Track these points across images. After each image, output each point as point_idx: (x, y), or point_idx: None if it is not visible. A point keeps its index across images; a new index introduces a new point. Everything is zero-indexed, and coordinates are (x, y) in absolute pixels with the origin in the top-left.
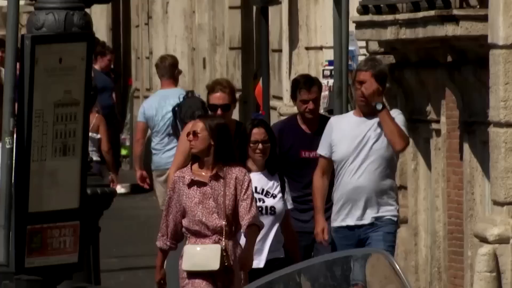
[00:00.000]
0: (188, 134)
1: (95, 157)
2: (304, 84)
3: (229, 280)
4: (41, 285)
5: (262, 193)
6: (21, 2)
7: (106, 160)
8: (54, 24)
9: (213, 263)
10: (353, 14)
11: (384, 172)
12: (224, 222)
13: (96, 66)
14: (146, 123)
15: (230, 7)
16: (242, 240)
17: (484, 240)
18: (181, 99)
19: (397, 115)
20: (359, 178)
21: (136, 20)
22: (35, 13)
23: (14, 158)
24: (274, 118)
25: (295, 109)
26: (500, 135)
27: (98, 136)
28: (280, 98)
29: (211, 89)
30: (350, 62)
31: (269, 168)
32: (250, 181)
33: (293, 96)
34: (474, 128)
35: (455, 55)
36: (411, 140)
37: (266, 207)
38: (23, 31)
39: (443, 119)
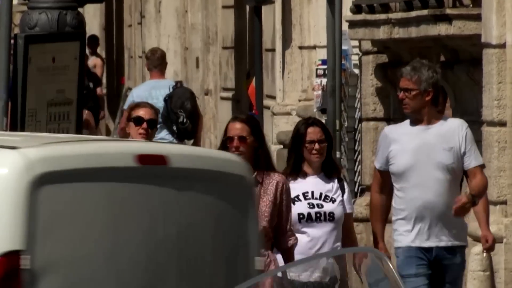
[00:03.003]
0: (231, 139)
1: None
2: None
3: None
4: None
5: (320, 198)
6: (14, 2)
7: None
8: (47, 23)
9: None
10: (346, 13)
11: (452, 185)
12: None
13: None
14: None
15: (223, 7)
16: None
17: (477, 239)
18: (171, 90)
19: (471, 142)
20: (427, 193)
21: (129, 20)
22: (28, 12)
23: None
24: (267, 118)
25: (287, 109)
26: (493, 134)
27: (87, 132)
28: (273, 98)
29: (135, 105)
30: (343, 62)
31: (326, 171)
32: (289, 189)
33: None
34: None
35: (448, 55)
36: None
37: (325, 212)
38: (16, 30)
39: None
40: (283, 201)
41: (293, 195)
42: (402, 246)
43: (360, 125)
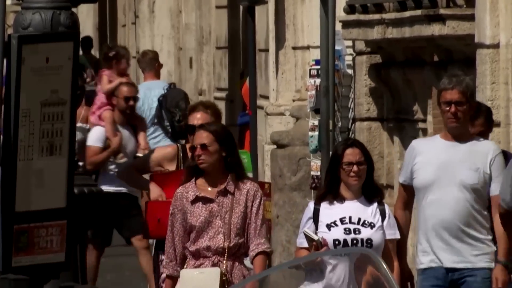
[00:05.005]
0: (192, 148)
1: None
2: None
3: None
4: (28, 284)
5: (358, 223)
6: (8, 2)
7: None
8: (41, 23)
9: None
10: (340, 13)
11: (474, 206)
12: (227, 243)
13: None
14: None
15: (217, 7)
16: None
17: None
18: (165, 90)
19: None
20: (444, 210)
21: (123, 20)
22: (22, 12)
23: (0, 158)
24: (260, 118)
25: (281, 109)
26: None
27: (88, 126)
28: (266, 98)
29: (192, 108)
30: (336, 62)
31: (366, 195)
32: (262, 197)
33: None
34: None
35: (441, 55)
36: (397, 139)
37: (362, 239)
38: (9, 31)
39: (429, 118)
40: (252, 207)
41: (329, 221)
42: (419, 268)
43: (353, 125)
